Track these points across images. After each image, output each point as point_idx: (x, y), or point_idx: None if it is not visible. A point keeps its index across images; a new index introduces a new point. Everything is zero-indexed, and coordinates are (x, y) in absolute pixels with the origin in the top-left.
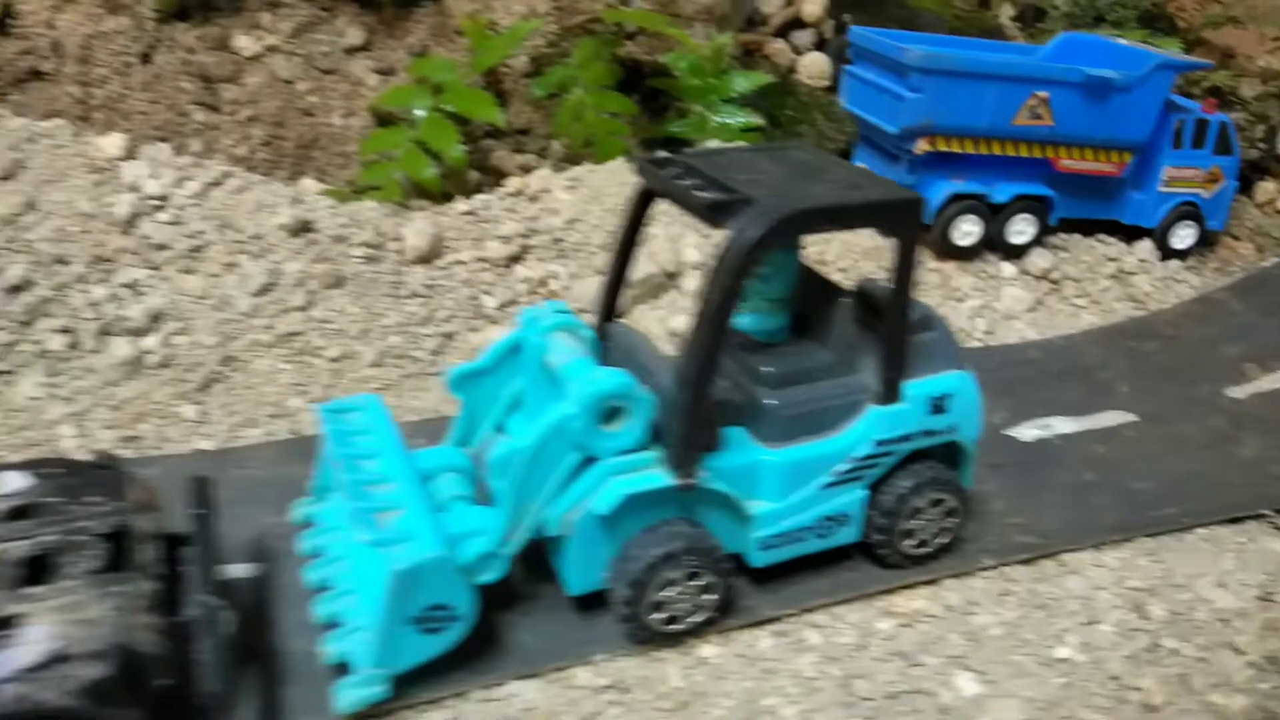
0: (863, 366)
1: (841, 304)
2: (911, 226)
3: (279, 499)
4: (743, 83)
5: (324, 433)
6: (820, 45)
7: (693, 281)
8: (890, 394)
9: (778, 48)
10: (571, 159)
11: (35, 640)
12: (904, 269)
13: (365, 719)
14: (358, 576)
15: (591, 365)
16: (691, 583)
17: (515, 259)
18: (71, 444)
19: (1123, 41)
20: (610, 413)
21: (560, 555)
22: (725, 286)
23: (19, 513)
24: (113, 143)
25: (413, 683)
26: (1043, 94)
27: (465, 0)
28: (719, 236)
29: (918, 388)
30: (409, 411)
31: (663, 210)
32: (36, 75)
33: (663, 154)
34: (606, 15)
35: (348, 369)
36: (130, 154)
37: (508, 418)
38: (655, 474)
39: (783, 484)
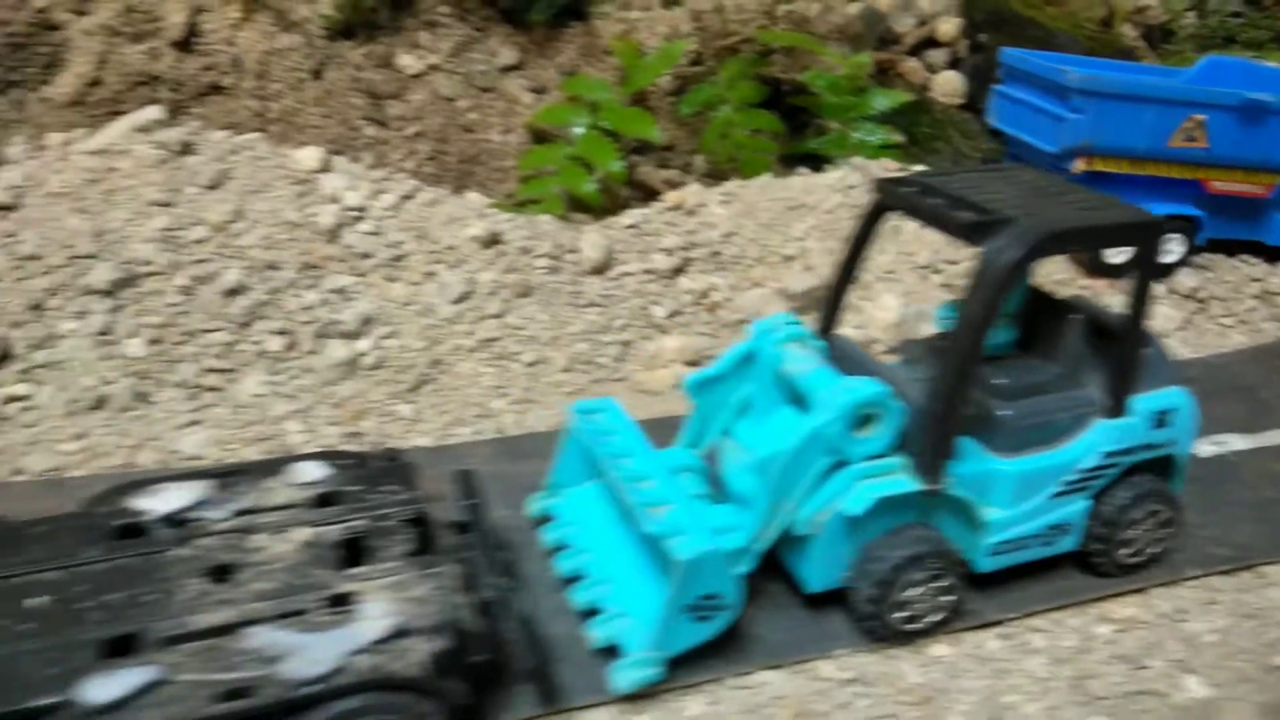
0: (1088, 381)
1: (1071, 320)
2: (1153, 246)
3: (502, 494)
4: (883, 101)
5: (570, 431)
6: (954, 64)
7: (852, 295)
8: (1118, 408)
9: (911, 66)
10: (715, 174)
11: (377, 616)
12: (1143, 287)
13: (636, 699)
14: (612, 566)
15: (836, 374)
16: (933, 584)
17: (678, 271)
18: (299, 439)
19: (1269, 64)
20: (863, 419)
21: (800, 555)
22: (986, 302)
23: (324, 500)
24: (310, 155)
25: (673, 668)
26: (1199, 116)
27: (612, 21)
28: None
29: (1143, 402)
30: None
31: (814, 226)
32: (216, 89)
33: (896, 174)
34: (761, 35)
35: (542, 374)
36: (325, 167)
37: (735, 423)
38: (903, 479)
39: (1015, 493)
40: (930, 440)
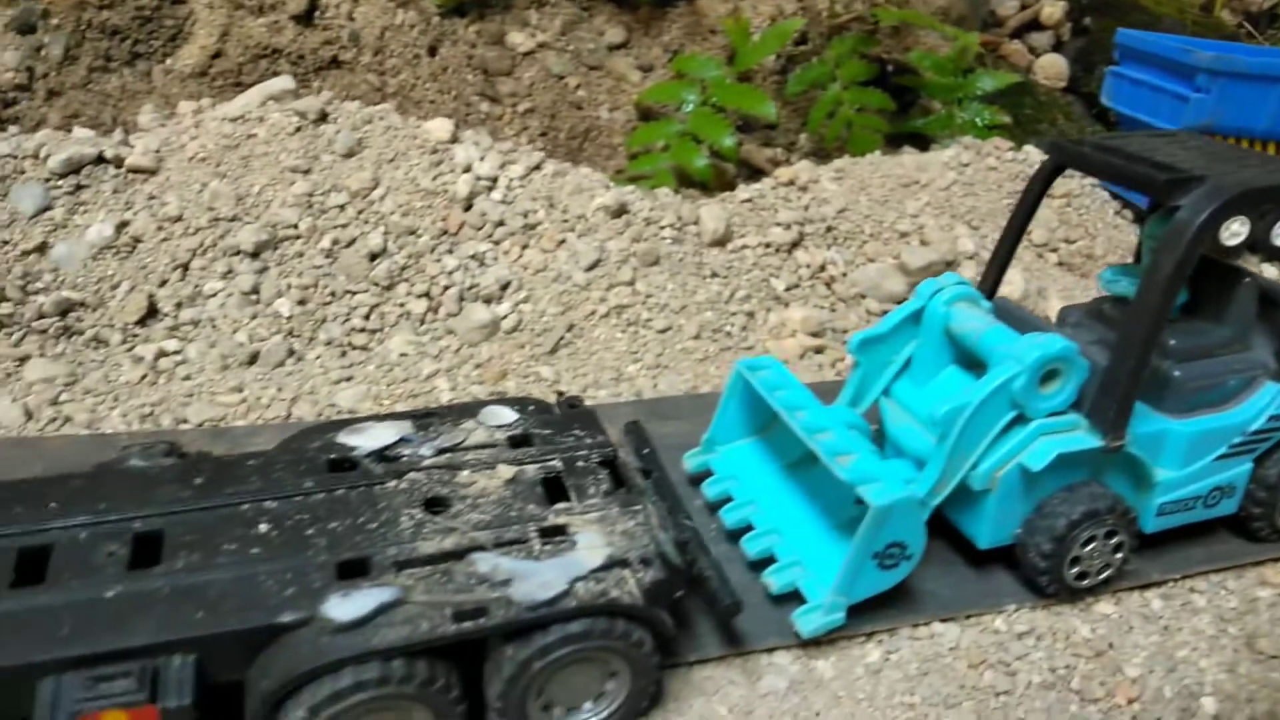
0: (1257, 344)
1: (1244, 284)
2: None
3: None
4: (989, 81)
5: (734, 387)
6: (1056, 47)
7: (968, 271)
8: None
9: (1014, 48)
10: (820, 153)
11: (593, 546)
12: None
13: (817, 645)
14: (780, 517)
15: (1013, 332)
16: (1107, 541)
17: (795, 245)
18: (446, 396)
19: None
20: (1048, 375)
21: (972, 512)
22: (1179, 259)
23: (518, 441)
24: (440, 126)
25: (850, 617)
26: None
27: (717, 2)
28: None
29: None
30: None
31: (928, 204)
32: (336, 63)
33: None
34: (879, 14)
35: (673, 340)
36: (454, 138)
37: (896, 383)
38: (1084, 435)
39: (1185, 453)
40: (1117, 396)
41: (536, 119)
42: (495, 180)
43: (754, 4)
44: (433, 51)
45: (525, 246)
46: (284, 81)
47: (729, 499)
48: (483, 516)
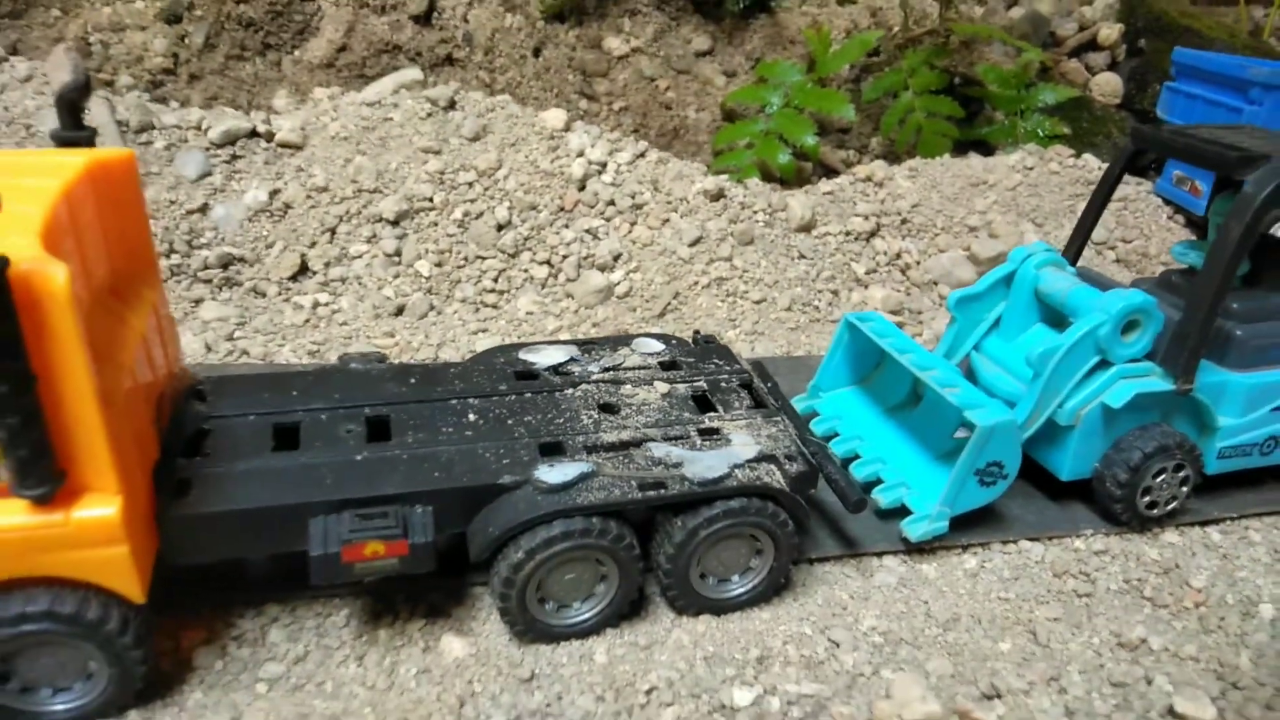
0: None
1: None
2: None
3: None
4: (1050, 95)
5: (841, 337)
6: (1112, 66)
7: None
8: None
9: (1072, 66)
10: (890, 155)
11: (745, 444)
12: None
13: (921, 551)
14: (885, 449)
15: (1096, 290)
16: (1175, 474)
17: (873, 234)
18: None
19: None
20: (1130, 324)
21: (1055, 447)
22: (1244, 227)
23: (668, 365)
24: (555, 116)
25: (950, 530)
26: None
27: (796, 15)
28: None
29: None
30: (820, 348)
31: (995, 202)
32: (449, 61)
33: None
34: (956, 28)
35: (767, 310)
36: (567, 127)
37: (987, 339)
38: (1158, 380)
39: (1244, 404)
40: (1187, 346)
41: (630, 116)
42: (604, 165)
43: (829, 17)
44: (537, 52)
45: (633, 224)
46: (413, 72)
47: (835, 435)
48: (648, 419)
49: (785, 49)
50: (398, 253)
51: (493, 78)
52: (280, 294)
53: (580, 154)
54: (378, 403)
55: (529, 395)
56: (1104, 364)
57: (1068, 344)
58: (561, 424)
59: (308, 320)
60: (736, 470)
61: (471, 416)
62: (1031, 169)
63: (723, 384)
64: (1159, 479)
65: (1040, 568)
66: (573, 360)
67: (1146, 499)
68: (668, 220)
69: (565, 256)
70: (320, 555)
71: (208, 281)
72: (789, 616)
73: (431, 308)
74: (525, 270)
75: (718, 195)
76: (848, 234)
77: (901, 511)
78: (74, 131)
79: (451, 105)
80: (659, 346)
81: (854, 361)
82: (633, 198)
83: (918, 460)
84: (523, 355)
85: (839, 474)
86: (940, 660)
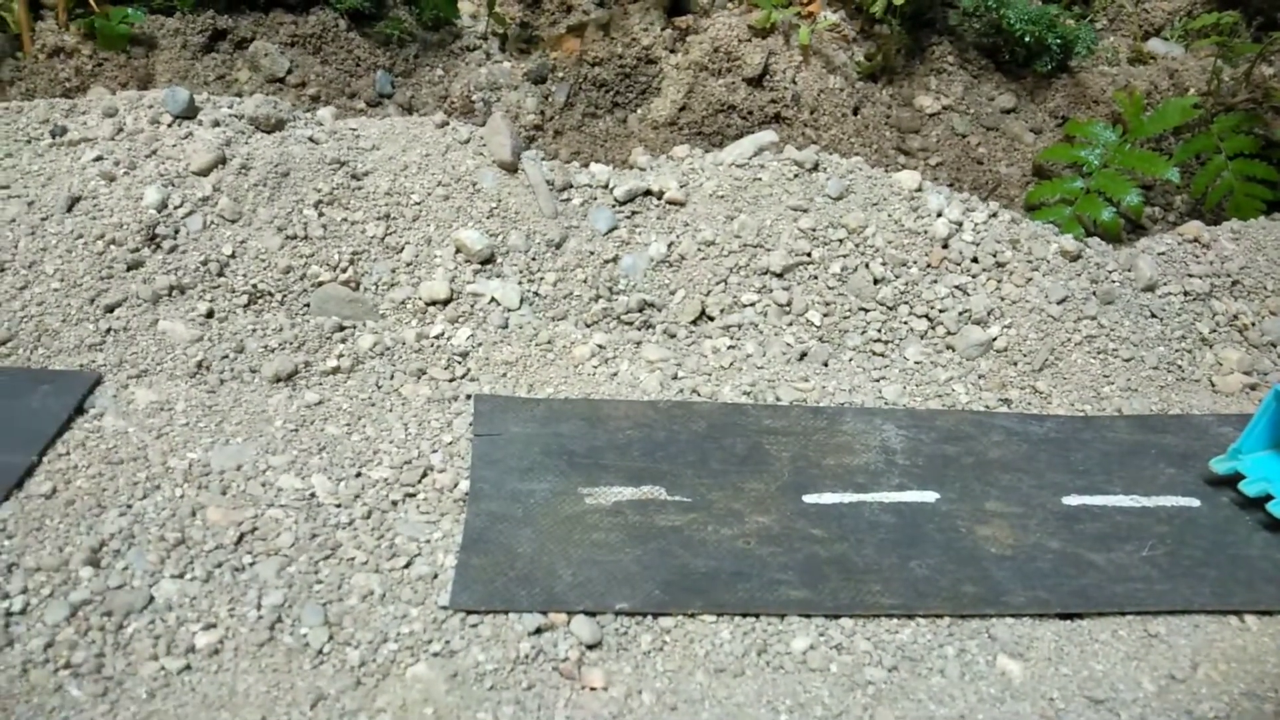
0: None
1: None
2: None
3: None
4: None
5: (1266, 405)
6: None
7: None
8: None
9: None
10: (1195, 213)
11: None
12: None
13: None
14: None
15: None
16: None
17: (1209, 294)
18: (964, 399)
19: None
20: None
21: None
22: None
23: None
24: (909, 177)
25: None
26: None
27: (1095, 75)
28: None
29: None
30: (1192, 408)
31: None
32: (777, 119)
33: None
34: (1276, 95)
35: (1136, 369)
36: (920, 187)
37: None
38: None
39: None
40: None
41: (945, 171)
42: (960, 224)
43: (1128, 77)
44: (855, 111)
45: (1000, 281)
46: (769, 135)
47: (1269, 496)
48: None
49: (1090, 108)
50: (789, 303)
51: (817, 134)
52: (688, 337)
53: (939, 213)
54: None
55: None
56: None
57: None
58: None
59: (732, 363)
60: None
61: None
62: None
63: None
64: None
65: None
66: None
67: None
68: (1030, 279)
69: (942, 310)
70: None
71: (629, 324)
72: None
73: (830, 355)
74: (905, 322)
75: (1076, 256)
76: (1186, 294)
77: None
78: None
79: (815, 167)
80: None
81: (1277, 429)
82: (994, 255)
83: None
84: None
85: None
86: None
